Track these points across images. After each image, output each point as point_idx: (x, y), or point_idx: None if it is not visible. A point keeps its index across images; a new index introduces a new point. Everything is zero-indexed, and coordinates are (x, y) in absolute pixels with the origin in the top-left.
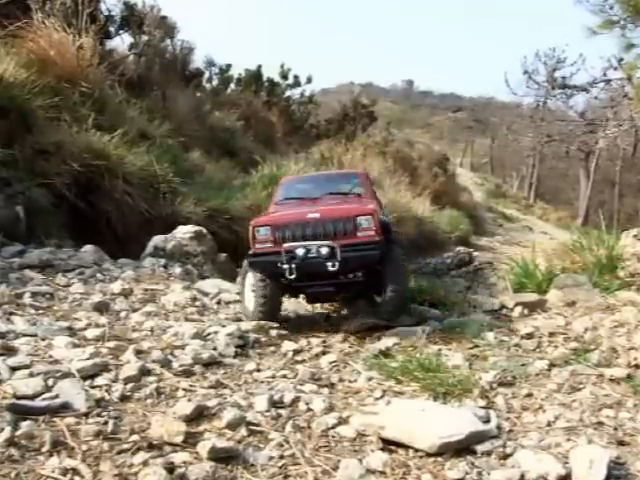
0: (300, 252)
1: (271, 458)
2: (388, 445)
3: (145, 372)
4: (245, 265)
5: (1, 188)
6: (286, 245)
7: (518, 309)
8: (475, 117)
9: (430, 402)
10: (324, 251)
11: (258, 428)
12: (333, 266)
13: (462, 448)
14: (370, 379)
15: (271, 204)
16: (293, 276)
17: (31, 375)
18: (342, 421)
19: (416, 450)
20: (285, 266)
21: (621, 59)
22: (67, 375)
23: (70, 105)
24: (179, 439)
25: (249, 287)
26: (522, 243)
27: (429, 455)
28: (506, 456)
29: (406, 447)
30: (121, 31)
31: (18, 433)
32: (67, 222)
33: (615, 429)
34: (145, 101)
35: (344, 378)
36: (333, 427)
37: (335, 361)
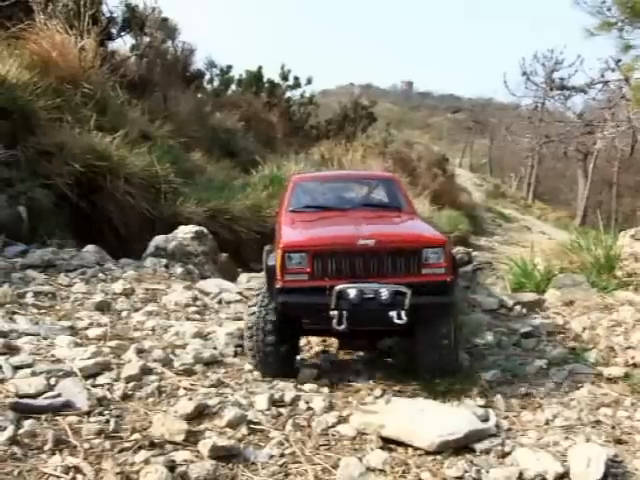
0: (353, 294)
1: (271, 456)
2: (388, 444)
3: (146, 371)
4: (261, 294)
5: (4, 188)
6: (339, 287)
7: (517, 308)
8: (474, 118)
9: (430, 401)
10: (385, 295)
11: (258, 427)
12: (399, 317)
13: (461, 447)
14: (370, 378)
15: (282, 211)
16: (343, 327)
17: (33, 374)
18: (342, 420)
19: (415, 448)
20: (334, 312)
21: (619, 60)
22: (69, 374)
23: (72, 106)
24: (180, 437)
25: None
26: (521, 243)
27: (428, 453)
28: (505, 454)
29: (406, 445)
30: (123, 33)
31: (21, 432)
32: (69, 222)
33: (613, 427)
34: (146, 102)
35: (344, 377)
36: (333, 426)
37: (337, 359)
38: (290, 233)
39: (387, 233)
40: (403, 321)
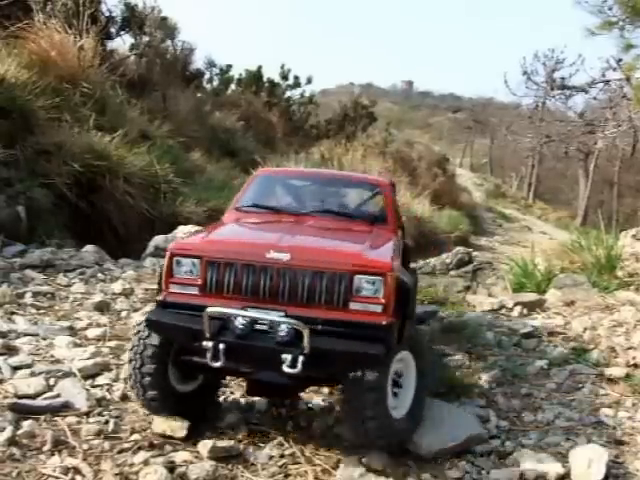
0: (239, 323)
1: (271, 457)
2: None
3: None
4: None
5: (3, 188)
6: (213, 310)
7: (517, 309)
8: (474, 117)
9: (429, 401)
10: (283, 330)
11: (258, 427)
12: (292, 365)
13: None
14: None
15: (229, 209)
16: (219, 363)
17: (32, 374)
18: (342, 420)
19: (411, 453)
20: (208, 343)
21: (620, 60)
22: (68, 374)
23: (71, 106)
24: (183, 433)
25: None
26: (521, 243)
27: (422, 458)
28: (506, 455)
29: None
30: (122, 32)
31: (19, 432)
32: (68, 222)
33: (614, 428)
34: (146, 102)
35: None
36: (333, 426)
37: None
38: (197, 234)
39: (312, 248)
40: (296, 371)
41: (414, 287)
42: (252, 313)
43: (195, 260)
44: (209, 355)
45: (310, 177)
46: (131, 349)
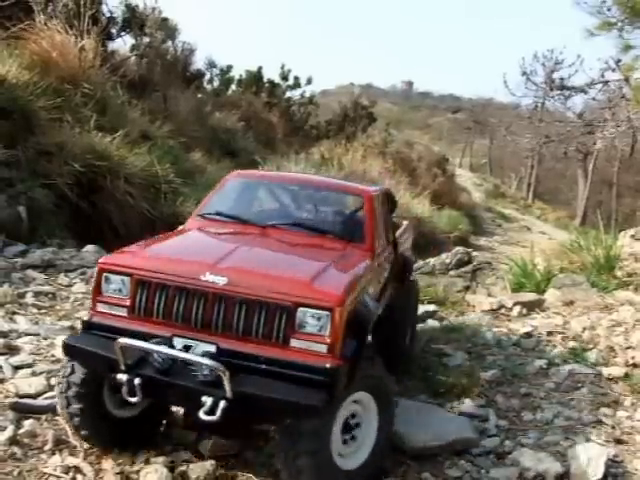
0: (157, 357)
1: (271, 457)
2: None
3: None
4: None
5: (4, 188)
6: (123, 341)
7: (517, 309)
8: (474, 118)
9: (427, 404)
10: (205, 368)
11: (258, 427)
12: (211, 411)
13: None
14: None
15: (193, 215)
16: (135, 399)
17: (34, 374)
18: None
19: (399, 450)
20: (122, 377)
21: (619, 60)
22: None
23: (72, 106)
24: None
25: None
26: (521, 243)
27: (413, 457)
28: (505, 454)
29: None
30: (123, 33)
31: (21, 432)
32: (69, 222)
33: (613, 427)
34: (146, 102)
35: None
36: None
37: None
38: (139, 245)
39: (253, 272)
40: (213, 418)
41: (402, 308)
42: (165, 349)
43: (125, 278)
44: (124, 389)
45: (286, 183)
46: (60, 371)
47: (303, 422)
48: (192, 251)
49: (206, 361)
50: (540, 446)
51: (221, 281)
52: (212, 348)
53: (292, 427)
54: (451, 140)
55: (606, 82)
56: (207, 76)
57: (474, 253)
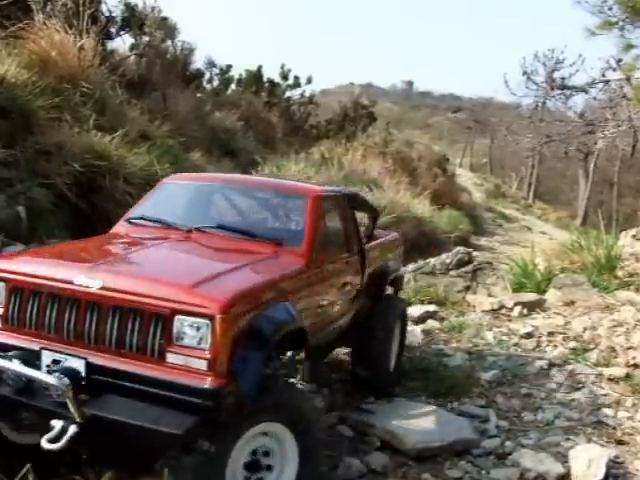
0: (11, 375)
1: None
2: (388, 444)
3: None
4: None
5: (3, 188)
6: None
7: (517, 309)
8: (474, 118)
9: (427, 405)
10: (60, 389)
11: None
12: (55, 438)
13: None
14: None
15: (121, 220)
16: None
17: None
18: (342, 420)
19: (401, 451)
20: None
21: (620, 60)
22: None
23: (71, 106)
24: None
25: None
26: (521, 243)
27: (413, 457)
28: (505, 455)
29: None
30: (122, 32)
31: None
32: (68, 222)
33: (614, 428)
34: (146, 102)
35: (344, 377)
36: (333, 426)
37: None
38: (24, 251)
39: (133, 274)
40: (56, 446)
41: (379, 328)
42: (9, 364)
43: (0, 284)
44: None
45: (222, 184)
46: None
47: (188, 457)
48: (76, 254)
49: (48, 378)
50: (541, 447)
51: (95, 284)
52: (80, 364)
53: (177, 462)
54: (451, 140)
55: (607, 82)
56: (207, 76)
57: (475, 253)
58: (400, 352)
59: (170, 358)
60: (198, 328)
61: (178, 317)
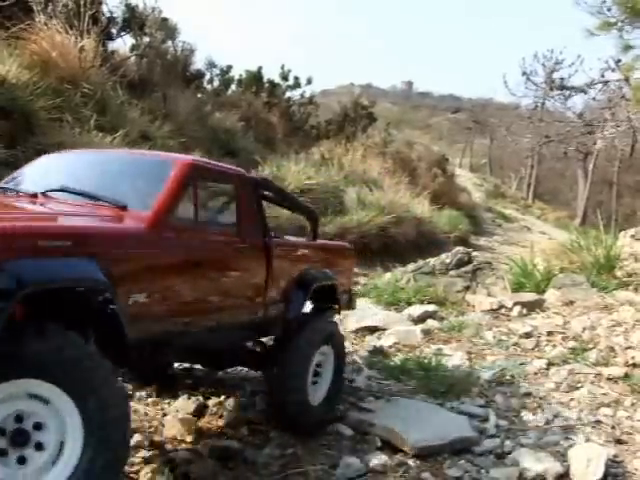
0: None
1: (272, 457)
2: (388, 444)
3: None
4: None
5: None
6: None
7: (517, 309)
8: (474, 118)
9: (427, 404)
10: None
11: (259, 427)
12: None
13: (461, 449)
14: (369, 378)
15: None
16: None
17: None
18: (342, 419)
19: (401, 450)
20: None
21: (619, 60)
22: None
23: (72, 106)
24: (192, 437)
25: None
26: (521, 243)
27: (413, 456)
28: (505, 454)
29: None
30: (123, 33)
31: None
32: None
33: (613, 428)
34: (146, 102)
35: (345, 377)
36: (333, 426)
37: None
38: None
39: None
40: None
41: (292, 349)
42: None
43: None
44: None
45: (84, 155)
46: None
47: None
48: None
49: None
50: (540, 446)
51: None
52: None
53: None
54: (451, 140)
55: (606, 82)
56: (207, 76)
57: (474, 253)
58: (335, 387)
59: None
60: None
61: None
